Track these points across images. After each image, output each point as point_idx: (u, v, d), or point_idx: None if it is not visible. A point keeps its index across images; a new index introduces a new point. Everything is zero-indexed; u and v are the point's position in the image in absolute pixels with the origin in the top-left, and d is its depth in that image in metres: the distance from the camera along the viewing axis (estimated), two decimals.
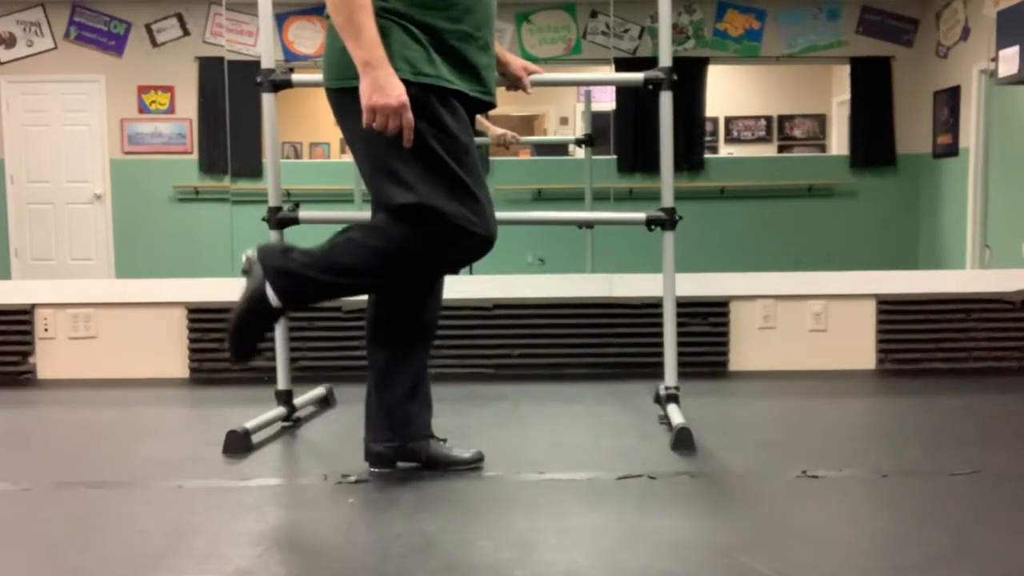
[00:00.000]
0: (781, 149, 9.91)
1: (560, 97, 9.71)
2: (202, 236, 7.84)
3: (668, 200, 2.85)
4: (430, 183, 2.13)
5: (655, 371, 3.09)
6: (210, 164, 8.20)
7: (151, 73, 8.24)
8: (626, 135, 7.94)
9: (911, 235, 8.19)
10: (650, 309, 3.57)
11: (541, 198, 7.84)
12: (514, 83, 2.61)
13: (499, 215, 2.26)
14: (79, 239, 8.38)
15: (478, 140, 2.62)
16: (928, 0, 8.02)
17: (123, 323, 3.80)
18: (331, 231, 2.27)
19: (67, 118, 8.29)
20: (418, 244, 2.16)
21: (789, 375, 3.70)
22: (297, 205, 2.90)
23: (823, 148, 9.81)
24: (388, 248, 2.17)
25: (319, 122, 8.87)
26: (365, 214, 2.61)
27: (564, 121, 10.04)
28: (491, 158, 6.62)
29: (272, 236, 2.90)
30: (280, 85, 2.87)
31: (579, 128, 9.15)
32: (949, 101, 7.65)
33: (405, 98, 2.07)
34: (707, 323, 3.75)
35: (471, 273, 3.89)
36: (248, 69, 4.90)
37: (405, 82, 2.09)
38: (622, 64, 7.78)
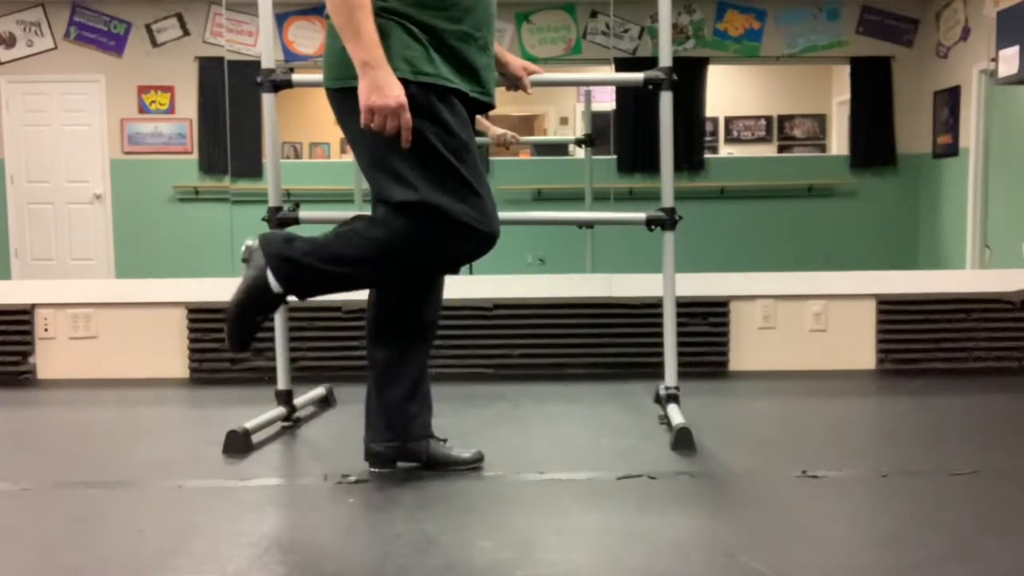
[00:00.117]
0: (781, 149, 9.91)
1: (560, 97, 9.71)
2: (202, 236, 7.84)
3: (668, 200, 2.85)
4: (432, 181, 2.13)
5: (655, 371, 3.09)
6: (210, 164, 8.20)
7: (151, 73, 8.24)
8: (626, 135, 7.94)
9: (911, 235, 8.19)
10: (650, 309, 3.57)
11: (541, 198, 7.84)
12: (514, 83, 2.61)
13: (499, 215, 2.26)
14: (79, 239, 8.38)
15: (478, 140, 2.61)
16: (928, 0, 8.02)
17: (123, 323, 3.80)
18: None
19: (67, 118, 8.29)
20: (420, 239, 2.16)
21: (789, 375, 3.70)
22: (297, 205, 2.91)
23: (823, 148, 9.81)
24: (390, 240, 2.17)
25: (319, 122, 8.87)
26: (365, 214, 2.62)
27: (564, 121, 10.04)
28: (491, 158, 6.60)
29: None
30: (280, 85, 2.87)
31: (579, 128, 9.15)
32: (949, 101, 7.65)
33: (403, 99, 2.07)
34: (707, 323, 3.75)
35: (471, 273, 3.89)
36: (248, 69, 4.89)
37: (405, 81, 2.09)
38: (622, 64, 7.78)
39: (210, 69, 8.06)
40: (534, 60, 5.53)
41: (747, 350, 3.77)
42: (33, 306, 3.80)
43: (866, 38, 8.16)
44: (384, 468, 2.41)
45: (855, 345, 3.78)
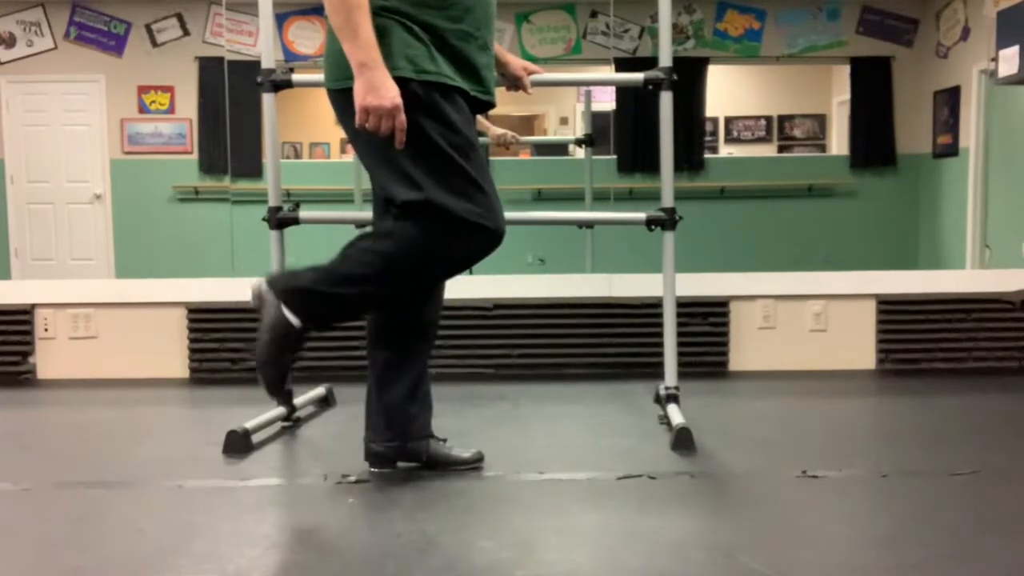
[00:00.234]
0: (781, 149, 9.91)
1: (560, 97, 9.71)
2: (202, 236, 7.84)
3: (668, 200, 2.85)
4: (437, 179, 2.12)
5: (655, 371, 3.09)
6: (210, 164, 8.20)
7: (151, 73, 8.24)
8: (626, 135, 7.94)
9: (911, 235, 8.19)
10: (650, 309, 3.57)
11: (541, 198, 7.84)
12: (514, 83, 2.60)
13: None
14: (79, 239, 8.38)
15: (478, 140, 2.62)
16: (928, 0, 8.02)
17: (123, 323, 3.80)
18: (330, 231, 2.27)
19: (67, 118, 8.29)
20: (427, 241, 2.14)
21: (789, 375, 3.70)
22: (297, 205, 2.91)
23: (823, 148, 9.81)
24: (398, 250, 2.15)
25: (319, 122, 8.87)
26: (365, 214, 2.62)
27: (564, 121, 10.03)
28: (491, 158, 6.59)
29: (272, 236, 2.90)
30: (280, 85, 2.87)
31: (579, 128, 9.15)
32: (949, 101, 7.65)
33: (399, 100, 2.06)
34: (707, 323, 3.75)
35: (471, 273, 3.89)
36: (248, 69, 4.89)
37: (408, 80, 2.09)
38: (622, 64, 7.78)
39: (210, 69, 8.06)
40: (534, 60, 5.53)
41: (747, 350, 3.77)
42: (33, 306, 3.80)
43: (866, 38, 8.16)
44: (384, 468, 2.41)
45: (855, 345, 3.78)
